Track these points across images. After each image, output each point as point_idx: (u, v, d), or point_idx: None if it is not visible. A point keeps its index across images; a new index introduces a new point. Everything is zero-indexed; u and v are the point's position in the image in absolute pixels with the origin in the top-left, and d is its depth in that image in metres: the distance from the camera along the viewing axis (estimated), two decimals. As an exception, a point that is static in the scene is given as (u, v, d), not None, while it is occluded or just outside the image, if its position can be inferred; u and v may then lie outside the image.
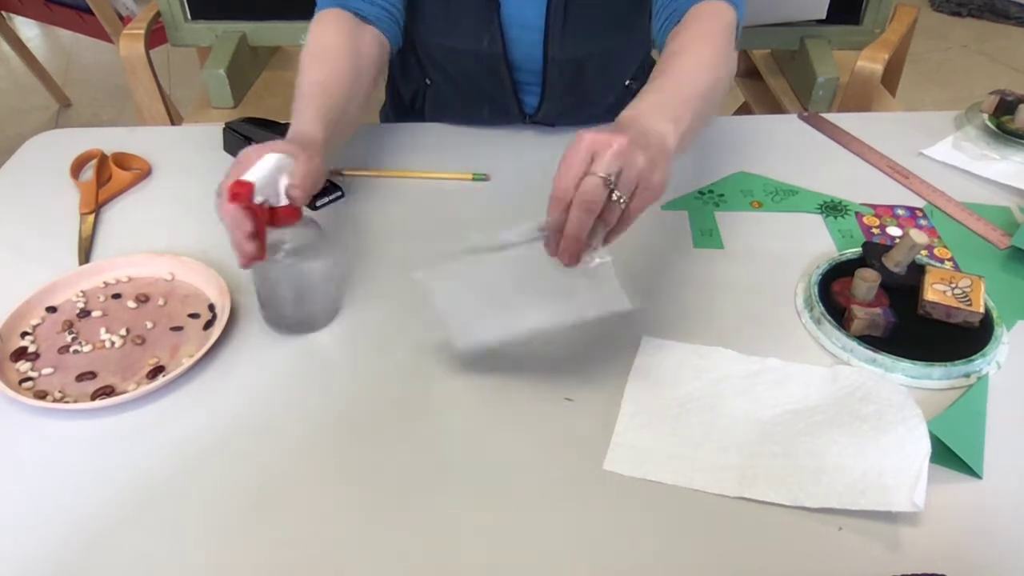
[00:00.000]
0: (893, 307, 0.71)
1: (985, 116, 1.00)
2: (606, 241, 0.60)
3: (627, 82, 1.05)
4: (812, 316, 0.72)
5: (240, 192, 0.60)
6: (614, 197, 0.57)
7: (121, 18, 1.95)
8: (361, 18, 0.85)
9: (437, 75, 1.01)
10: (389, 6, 0.88)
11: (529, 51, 0.95)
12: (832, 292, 0.73)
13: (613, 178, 0.56)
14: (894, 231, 0.84)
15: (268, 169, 0.63)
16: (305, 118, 0.73)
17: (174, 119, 1.51)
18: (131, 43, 1.38)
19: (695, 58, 0.72)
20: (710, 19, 0.77)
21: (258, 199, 0.62)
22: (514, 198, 0.88)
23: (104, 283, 0.77)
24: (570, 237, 0.57)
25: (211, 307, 0.74)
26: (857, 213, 0.87)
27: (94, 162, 0.92)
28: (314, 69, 0.78)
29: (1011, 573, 0.53)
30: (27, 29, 3.15)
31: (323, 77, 0.78)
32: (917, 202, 0.89)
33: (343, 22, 0.84)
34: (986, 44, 3.07)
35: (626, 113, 0.64)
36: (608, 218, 0.58)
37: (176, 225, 0.85)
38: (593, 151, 0.56)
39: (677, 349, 0.69)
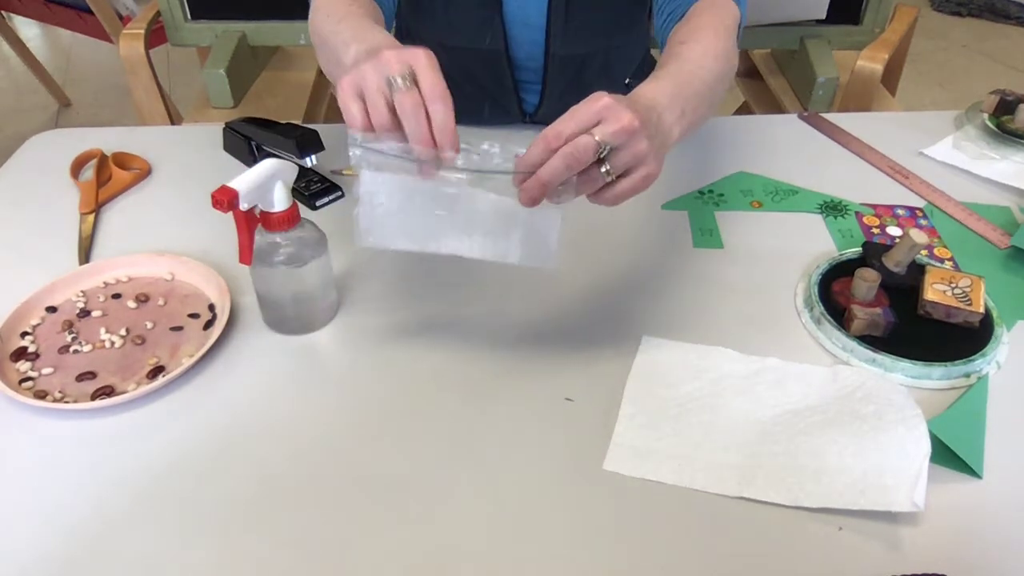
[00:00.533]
0: (893, 307, 0.71)
1: (985, 116, 1.00)
2: (588, 198, 0.58)
3: (627, 80, 1.05)
4: (812, 316, 0.72)
5: (222, 199, 0.61)
6: (602, 169, 0.56)
7: (121, 18, 1.95)
8: None
9: None
10: None
11: (531, 49, 0.95)
12: (832, 292, 0.73)
13: (606, 150, 0.55)
14: (894, 231, 0.84)
15: (260, 175, 0.63)
16: (375, 30, 0.67)
17: (174, 119, 1.51)
18: (131, 43, 1.38)
19: (704, 47, 0.71)
20: (715, 14, 0.77)
21: (244, 205, 0.62)
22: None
23: (104, 283, 0.77)
24: (540, 180, 0.55)
25: (211, 307, 0.74)
26: (857, 213, 0.87)
27: (94, 162, 0.92)
28: (343, 16, 0.71)
29: (1011, 573, 0.53)
30: (27, 29, 3.15)
31: (355, 8, 0.72)
32: (917, 202, 0.89)
33: None
34: (986, 44, 3.07)
35: (643, 92, 0.62)
36: (584, 186, 0.57)
37: (176, 225, 0.85)
38: (602, 116, 0.55)
39: (677, 349, 0.69)
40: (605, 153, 0.55)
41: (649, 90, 0.62)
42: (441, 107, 0.55)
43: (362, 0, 0.75)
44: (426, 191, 0.58)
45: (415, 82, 0.56)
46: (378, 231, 0.60)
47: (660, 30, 0.84)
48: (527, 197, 0.56)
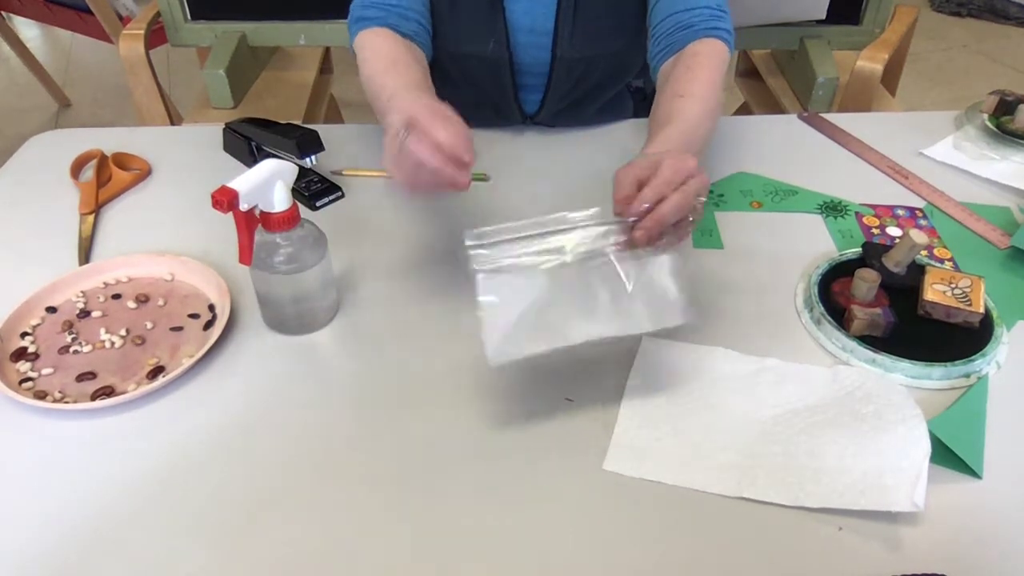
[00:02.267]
0: (893, 307, 0.71)
1: (985, 116, 1.00)
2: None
3: (629, 80, 1.05)
4: (812, 316, 0.72)
5: (222, 200, 0.61)
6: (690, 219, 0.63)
7: (121, 18, 1.95)
8: (401, 34, 0.87)
9: (438, 79, 1.02)
10: (422, 19, 0.90)
11: (536, 53, 0.96)
12: (832, 292, 0.73)
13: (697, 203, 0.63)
14: (894, 231, 0.84)
15: (260, 176, 0.63)
16: (398, 97, 0.74)
17: (174, 119, 1.51)
18: (131, 43, 1.38)
19: (702, 105, 0.78)
20: (708, 59, 0.82)
21: (244, 206, 0.62)
22: (514, 198, 0.88)
23: (104, 283, 0.77)
24: (659, 216, 0.60)
25: (211, 307, 0.74)
26: (857, 213, 0.87)
27: (94, 162, 0.92)
28: (385, 67, 0.81)
29: (1011, 573, 0.53)
30: (27, 29, 3.15)
31: (396, 63, 0.82)
32: (917, 202, 0.89)
33: (388, 36, 0.86)
34: (986, 44, 3.07)
35: (660, 148, 0.69)
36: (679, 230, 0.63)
37: (176, 225, 0.85)
38: (688, 174, 0.62)
39: (677, 349, 0.69)
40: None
41: (661, 145, 0.70)
42: (440, 129, 0.63)
43: (401, 49, 0.84)
44: (542, 292, 0.61)
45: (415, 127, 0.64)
46: (507, 347, 0.61)
47: (654, 58, 0.88)
48: (645, 235, 0.61)
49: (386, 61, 0.82)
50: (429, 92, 0.78)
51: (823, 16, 1.45)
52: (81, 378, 0.67)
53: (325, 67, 1.75)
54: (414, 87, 0.76)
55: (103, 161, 0.93)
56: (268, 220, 0.65)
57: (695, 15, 0.85)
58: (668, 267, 0.61)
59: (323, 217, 0.86)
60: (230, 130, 0.96)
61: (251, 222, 0.65)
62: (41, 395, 0.65)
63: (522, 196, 0.88)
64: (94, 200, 0.88)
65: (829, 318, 0.70)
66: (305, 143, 0.88)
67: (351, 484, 0.59)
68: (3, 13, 2.44)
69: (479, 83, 0.99)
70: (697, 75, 0.81)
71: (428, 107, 0.67)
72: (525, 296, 0.60)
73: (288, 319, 0.71)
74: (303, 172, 0.91)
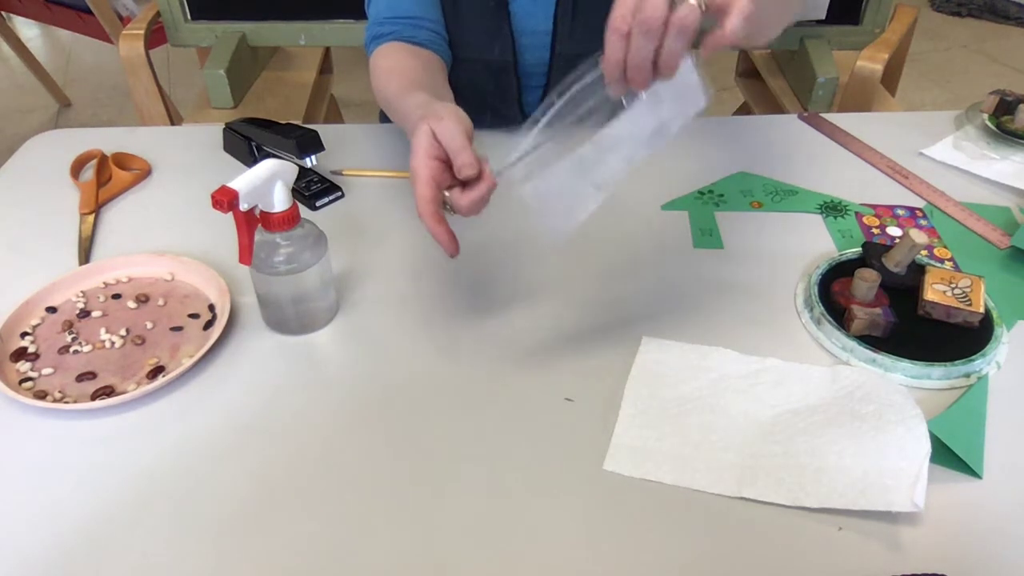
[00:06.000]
0: (893, 307, 0.71)
1: (985, 116, 1.00)
2: (703, 52, 0.56)
3: None
4: (812, 316, 0.72)
5: (222, 200, 0.61)
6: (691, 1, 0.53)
7: (121, 18, 1.96)
8: (415, 44, 0.88)
9: None
10: (436, 26, 0.91)
11: (538, 53, 0.96)
12: (832, 292, 0.73)
13: None
14: (894, 231, 0.84)
15: (260, 176, 0.63)
16: (417, 97, 0.74)
17: (174, 119, 1.51)
18: (131, 43, 1.38)
19: None
20: None
21: (244, 206, 0.62)
22: (514, 198, 0.88)
23: (104, 283, 0.77)
24: (633, 66, 0.55)
25: (211, 307, 0.74)
26: (857, 213, 0.87)
27: (94, 162, 0.92)
28: (395, 79, 0.82)
29: (1011, 573, 0.53)
30: (27, 29, 3.15)
31: (410, 77, 0.82)
32: (917, 202, 0.89)
33: (402, 49, 0.87)
34: (986, 44, 3.08)
35: None
36: (683, 31, 0.53)
37: (176, 225, 0.85)
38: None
39: (677, 349, 0.69)
40: None
41: None
42: (447, 131, 0.62)
43: (403, 56, 0.85)
44: (571, 168, 0.60)
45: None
46: (560, 222, 0.62)
47: None
48: (636, 85, 0.56)
49: (388, 74, 0.83)
50: (433, 91, 0.77)
51: (823, 16, 1.45)
52: (81, 378, 0.67)
53: (325, 67, 1.75)
54: (418, 106, 0.73)
55: (103, 161, 0.93)
56: (268, 220, 0.65)
57: None
58: (680, 72, 0.58)
59: (323, 217, 0.86)
60: (230, 130, 0.96)
61: (251, 222, 0.65)
62: (41, 395, 0.65)
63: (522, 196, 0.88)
64: (94, 200, 0.88)
65: (829, 318, 0.70)
66: (305, 143, 0.88)
67: (351, 484, 0.59)
68: (3, 13, 2.44)
69: (482, 88, 0.99)
70: None
71: (417, 153, 0.63)
72: (555, 179, 0.61)
73: (288, 319, 0.71)
74: (303, 172, 0.91)
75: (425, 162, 0.62)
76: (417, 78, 0.82)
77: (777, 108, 1.54)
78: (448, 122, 0.62)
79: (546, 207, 0.62)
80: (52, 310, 0.74)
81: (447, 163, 0.63)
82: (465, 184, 0.63)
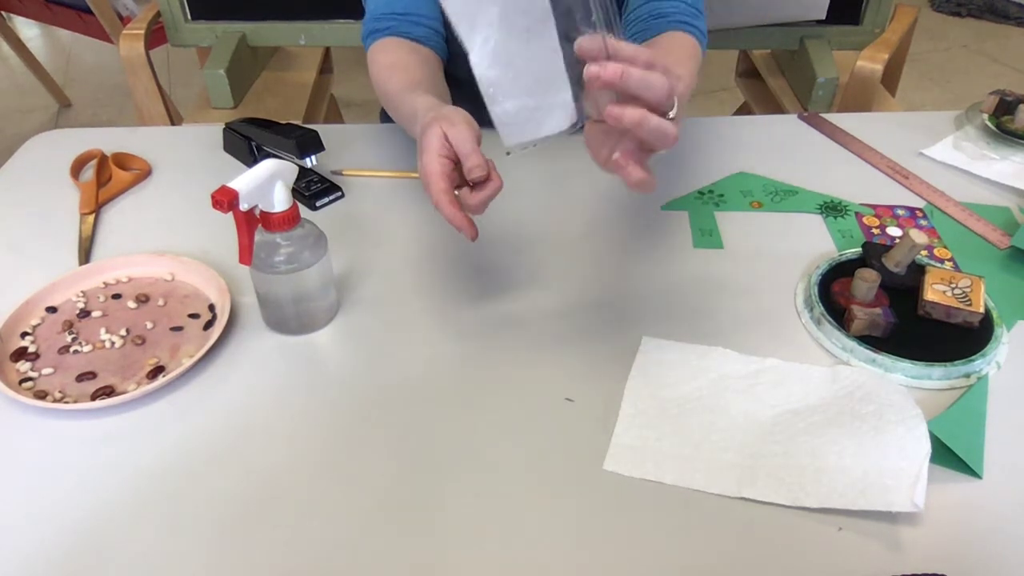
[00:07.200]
0: (893, 307, 0.71)
1: (985, 116, 1.00)
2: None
3: None
4: (812, 316, 0.72)
5: (222, 200, 0.61)
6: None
7: (121, 18, 1.95)
8: (412, 39, 0.88)
9: None
10: (433, 23, 0.91)
11: None
12: (832, 292, 0.73)
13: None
14: (894, 231, 0.84)
15: (260, 176, 0.63)
16: (425, 99, 0.74)
17: (174, 119, 1.51)
18: (131, 43, 1.38)
19: (679, 54, 0.79)
20: (683, 49, 0.83)
21: (244, 206, 0.63)
22: (513, 198, 0.88)
23: (104, 283, 0.77)
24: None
25: (211, 307, 0.74)
26: (857, 213, 0.87)
27: (94, 162, 0.92)
28: (396, 75, 0.83)
29: (1011, 573, 0.53)
30: (27, 29, 3.15)
31: (412, 74, 0.83)
32: (917, 202, 0.89)
33: (401, 45, 0.88)
34: (986, 44, 3.08)
35: None
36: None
37: (176, 225, 0.85)
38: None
39: (677, 349, 0.69)
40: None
41: None
42: (459, 134, 0.64)
43: (404, 53, 0.85)
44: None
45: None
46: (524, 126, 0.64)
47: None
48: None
49: (390, 69, 0.84)
50: (434, 89, 0.78)
51: (823, 16, 1.45)
52: (81, 378, 0.67)
53: (325, 67, 1.75)
54: (428, 109, 0.73)
55: (103, 161, 0.93)
56: (268, 220, 0.65)
57: (673, 6, 0.87)
58: None
59: (323, 217, 0.86)
60: (230, 130, 0.96)
61: (251, 222, 0.65)
62: (41, 395, 0.65)
63: (522, 196, 0.88)
64: (94, 200, 0.88)
65: (829, 318, 0.70)
66: (305, 143, 0.88)
67: (351, 484, 0.59)
68: (3, 13, 2.44)
69: (480, 101, 0.99)
70: (679, 58, 0.81)
71: (429, 151, 0.65)
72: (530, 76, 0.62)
73: (288, 319, 0.71)
74: (303, 172, 0.91)
75: (437, 159, 0.64)
76: (418, 76, 0.82)
77: (777, 108, 1.54)
78: (460, 127, 0.65)
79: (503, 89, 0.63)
80: (52, 310, 0.74)
81: (456, 163, 0.65)
82: (474, 186, 0.65)
